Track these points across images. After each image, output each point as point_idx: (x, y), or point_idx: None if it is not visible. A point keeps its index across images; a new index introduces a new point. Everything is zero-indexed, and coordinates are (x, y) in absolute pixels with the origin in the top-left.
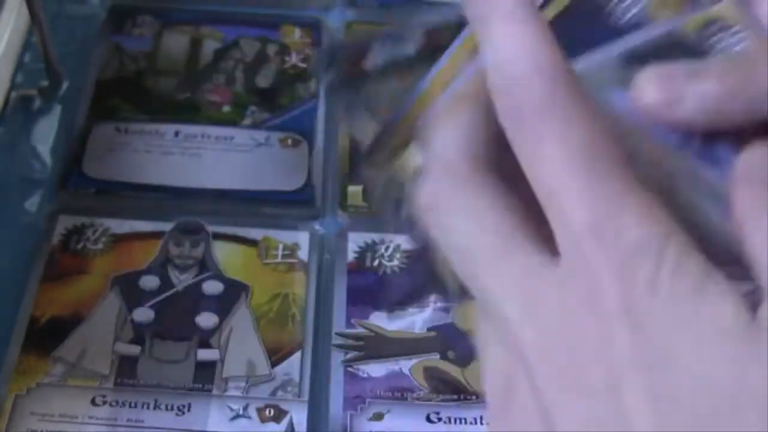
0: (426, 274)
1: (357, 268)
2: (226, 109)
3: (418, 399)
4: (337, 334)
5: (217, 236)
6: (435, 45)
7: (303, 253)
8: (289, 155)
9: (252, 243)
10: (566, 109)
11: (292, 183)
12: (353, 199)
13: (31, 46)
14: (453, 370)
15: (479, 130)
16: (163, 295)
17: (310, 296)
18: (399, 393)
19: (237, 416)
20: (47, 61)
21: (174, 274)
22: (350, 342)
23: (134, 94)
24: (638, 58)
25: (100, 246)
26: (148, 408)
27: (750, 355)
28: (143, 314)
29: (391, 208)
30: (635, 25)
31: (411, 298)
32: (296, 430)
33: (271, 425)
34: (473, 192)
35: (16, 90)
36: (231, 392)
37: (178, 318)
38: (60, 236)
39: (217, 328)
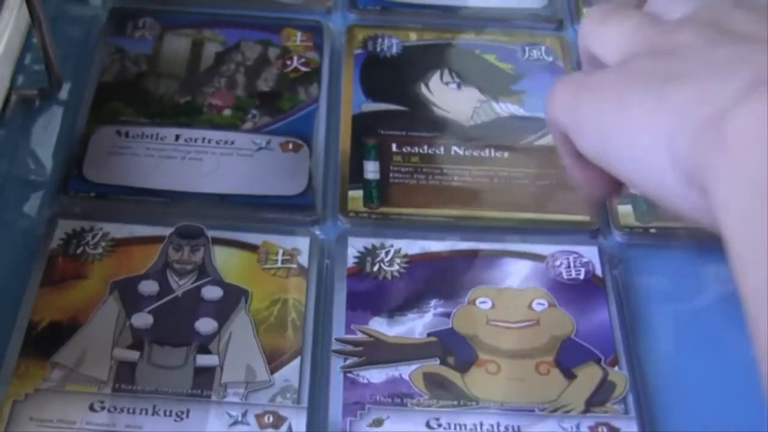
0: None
1: (357, 273)
2: (227, 112)
3: (417, 405)
4: (336, 339)
5: (217, 241)
6: None
7: (303, 259)
8: (290, 159)
9: (252, 248)
10: None
11: (293, 187)
12: (353, 204)
13: (31, 47)
14: (453, 376)
15: None
16: (162, 301)
17: (309, 301)
18: (399, 399)
19: (236, 422)
20: (47, 63)
21: (173, 279)
22: (350, 348)
23: (135, 98)
24: None
25: (99, 250)
26: (146, 414)
27: None
28: (142, 319)
29: None
30: None
31: (411, 303)
32: None
33: None
34: None
35: (16, 91)
36: (230, 398)
37: (177, 323)
38: (59, 240)
39: (216, 334)
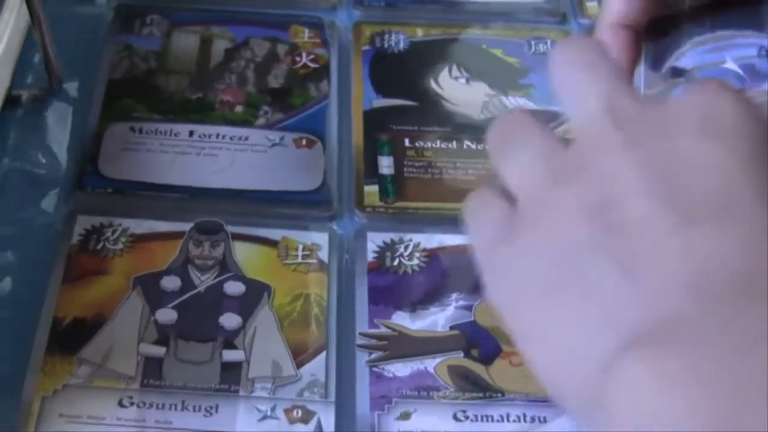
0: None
1: (377, 268)
2: (239, 109)
3: (444, 397)
4: (360, 334)
5: (236, 236)
6: None
7: (323, 254)
8: (304, 155)
9: (271, 243)
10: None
11: (308, 183)
12: (370, 199)
13: (32, 47)
14: (477, 368)
15: None
16: (185, 296)
17: (331, 296)
18: (425, 392)
19: (265, 417)
20: (47, 62)
21: (195, 275)
22: (374, 342)
23: (146, 94)
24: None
25: (119, 246)
26: (175, 409)
27: None
28: (166, 315)
29: None
30: None
31: (432, 296)
32: (324, 430)
33: (299, 426)
34: None
35: (18, 90)
36: (258, 393)
37: (202, 319)
38: (79, 237)
39: (241, 329)
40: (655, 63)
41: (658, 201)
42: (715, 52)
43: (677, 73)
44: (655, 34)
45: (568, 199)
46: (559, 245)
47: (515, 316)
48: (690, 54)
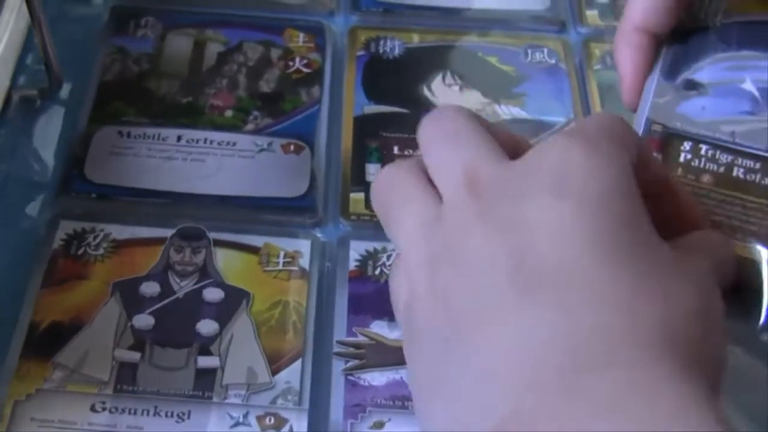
0: None
1: (358, 276)
2: (229, 113)
3: None
4: (337, 342)
5: (218, 243)
6: None
7: (304, 261)
8: (292, 161)
9: (253, 250)
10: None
11: (294, 189)
12: (355, 207)
13: (31, 47)
14: None
15: None
16: (164, 302)
17: (311, 304)
18: (400, 401)
19: (237, 424)
20: (47, 63)
21: (174, 281)
22: (351, 350)
23: (137, 98)
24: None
25: (101, 251)
26: (147, 415)
27: None
28: (143, 321)
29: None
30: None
31: None
32: None
33: None
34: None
35: (16, 91)
36: (231, 400)
37: (179, 325)
38: (60, 241)
39: (218, 336)
40: (672, 72)
41: (503, 274)
42: (736, 71)
43: (691, 85)
44: (677, 43)
45: (439, 285)
46: (434, 337)
47: (419, 408)
48: (709, 69)
